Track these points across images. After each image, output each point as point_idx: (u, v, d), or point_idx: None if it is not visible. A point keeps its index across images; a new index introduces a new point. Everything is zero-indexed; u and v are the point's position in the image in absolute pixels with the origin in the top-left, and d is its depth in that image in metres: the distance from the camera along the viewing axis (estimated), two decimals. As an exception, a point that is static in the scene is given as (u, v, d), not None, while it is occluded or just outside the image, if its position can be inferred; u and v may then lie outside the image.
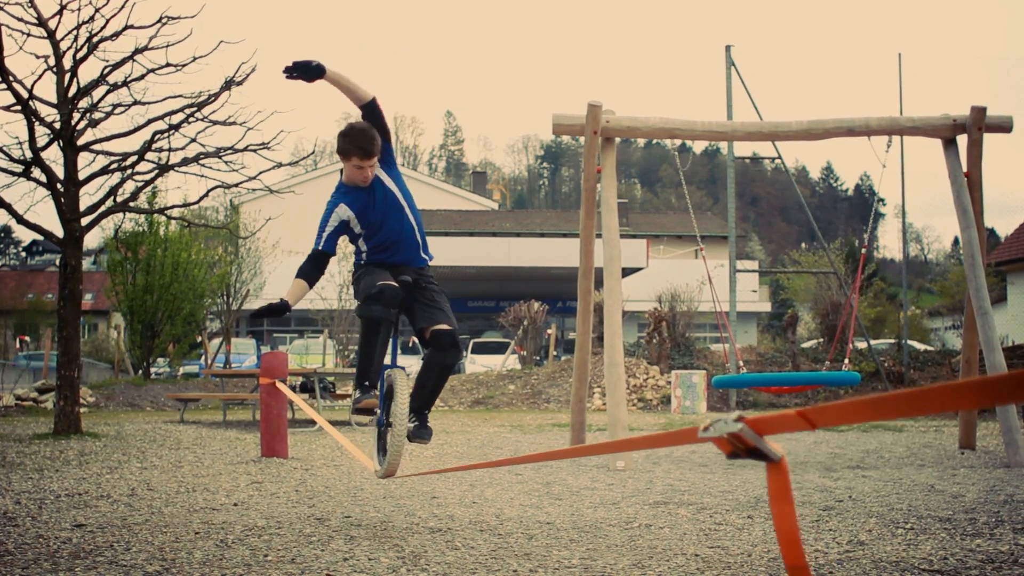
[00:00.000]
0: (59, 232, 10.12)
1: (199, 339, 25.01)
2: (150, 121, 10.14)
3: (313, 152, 23.62)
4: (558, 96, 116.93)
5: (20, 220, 10.05)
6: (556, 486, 6.23)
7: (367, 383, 4.62)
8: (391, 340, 4.86)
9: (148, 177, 10.50)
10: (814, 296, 23.27)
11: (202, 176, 10.58)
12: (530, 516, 4.99)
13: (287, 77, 4.60)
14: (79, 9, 9.62)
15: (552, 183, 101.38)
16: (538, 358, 24.54)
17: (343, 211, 4.67)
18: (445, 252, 26.58)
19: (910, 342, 21.26)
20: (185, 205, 11.47)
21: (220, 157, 10.32)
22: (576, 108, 8.57)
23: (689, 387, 16.92)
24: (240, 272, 23.99)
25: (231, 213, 32.33)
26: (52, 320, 31.24)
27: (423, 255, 4.85)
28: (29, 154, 9.76)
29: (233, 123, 10.17)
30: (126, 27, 9.81)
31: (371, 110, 4.67)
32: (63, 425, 9.91)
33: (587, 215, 8.76)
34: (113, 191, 10.43)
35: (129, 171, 10.39)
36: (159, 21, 9.81)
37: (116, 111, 10.21)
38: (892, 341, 24.98)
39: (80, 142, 10.10)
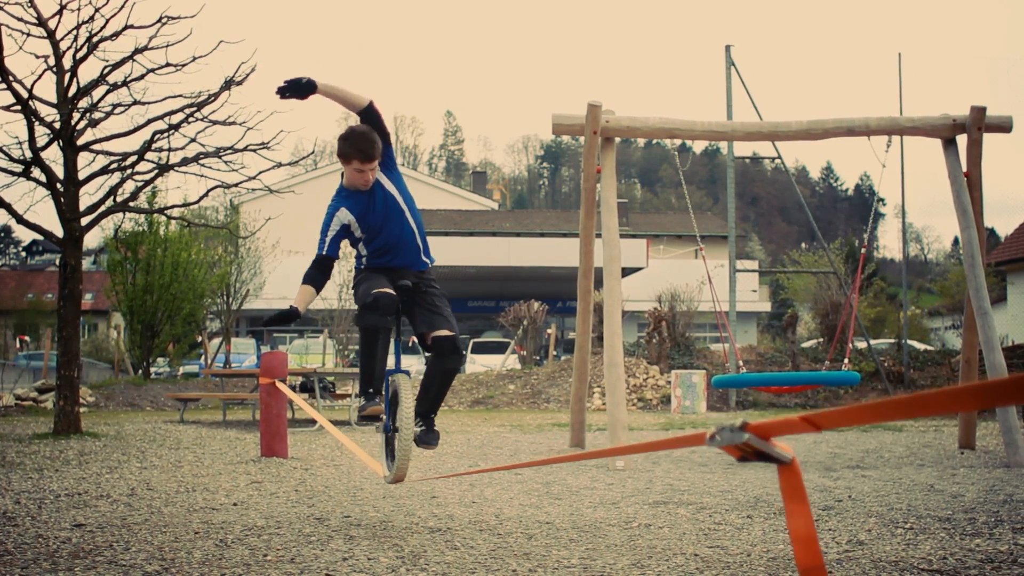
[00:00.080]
0: (59, 232, 10.12)
1: (199, 339, 25.01)
2: (150, 121, 10.14)
3: (313, 152, 23.62)
4: (558, 96, 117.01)
5: (20, 220, 10.05)
6: (556, 486, 6.23)
7: (371, 390, 4.63)
8: (395, 343, 4.87)
9: (148, 177, 10.50)
10: (814, 296, 23.27)
11: (202, 176, 10.59)
12: (530, 516, 4.99)
13: (281, 97, 4.61)
14: (79, 9, 9.62)
15: (552, 183, 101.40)
16: (538, 358, 24.54)
17: (344, 215, 4.67)
18: (445, 252, 26.56)
19: (910, 342, 21.26)
20: (185, 205, 11.47)
21: (220, 157, 10.32)
22: (576, 108, 8.58)
23: (689, 387, 16.92)
24: (240, 272, 23.99)
25: (231, 213, 32.34)
26: (52, 320, 31.24)
27: (424, 258, 4.84)
28: (29, 154, 9.76)
29: (233, 123, 10.17)
30: (126, 27, 9.81)
31: (369, 114, 4.66)
32: (63, 425, 9.91)
33: (587, 215, 8.76)
34: (113, 191, 10.43)
35: (129, 171, 10.39)
36: (159, 21, 9.81)
37: (116, 111, 10.22)
38: (892, 341, 24.98)
39: (80, 142, 10.10)
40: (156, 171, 10.40)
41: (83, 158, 10.19)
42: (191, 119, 10.14)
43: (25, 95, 9.51)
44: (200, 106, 10.09)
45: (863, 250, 10.12)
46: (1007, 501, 5.46)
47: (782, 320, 27.47)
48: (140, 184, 10.60)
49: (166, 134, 10.20)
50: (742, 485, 6.27)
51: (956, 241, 68.34)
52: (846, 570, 3.67)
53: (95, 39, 9.80)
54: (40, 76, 9.71)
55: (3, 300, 47.13)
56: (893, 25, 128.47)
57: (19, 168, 9.92)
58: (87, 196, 10.38)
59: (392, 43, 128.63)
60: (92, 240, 42.12)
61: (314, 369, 14.00)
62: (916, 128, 8.63)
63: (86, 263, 44.29)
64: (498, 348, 27.84)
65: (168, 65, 9.95)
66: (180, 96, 10.15)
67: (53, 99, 9.91)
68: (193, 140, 10.32)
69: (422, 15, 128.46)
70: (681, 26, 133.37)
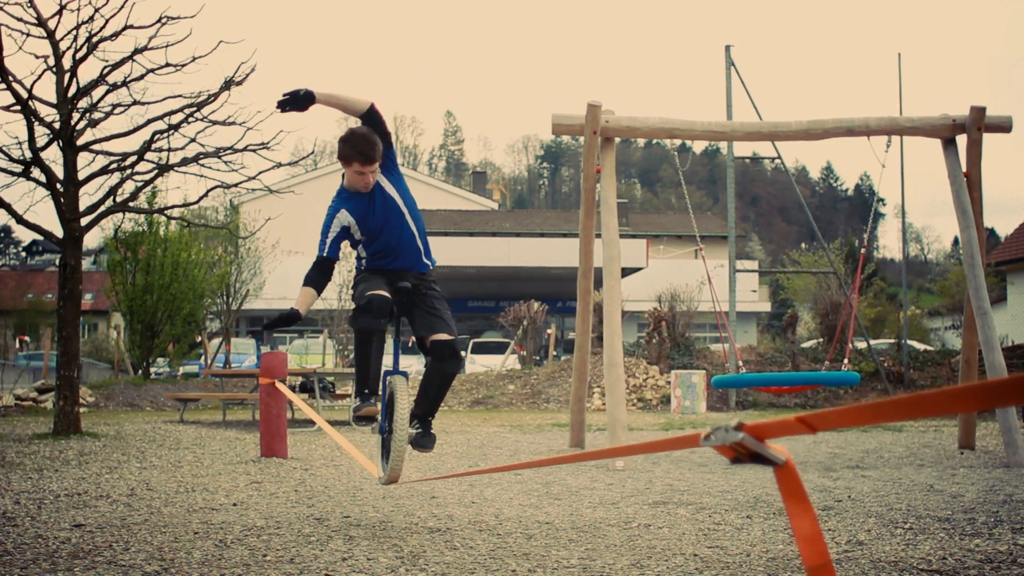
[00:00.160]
0: (59, 232, 10.12)
1: (199, 339, 25.01)
2: (150, 121, 10.14)
3: (313, 152, 23.57)
4: (558, 96, 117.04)
5: (20, 220, 10.05)
6: (555, 486, 6.23)
7: (366, 391, 4.63)
8: (394, 344, 4.88)
9: (148, 177, 10.50)
10: (814, 296, 23.27)
11: (202, 176, 10.58)
12: (529, 516, 5.00)
13: (281, 111, 4.61)
14: (79, 9, 9.62)
15: (552, 183, 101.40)
16: (538, 358, 24.55)
17: (344, 217, 4.67)
18: (445, 252, 26.55)
19: (910, 342, 21.26)
20: (185, 205, 11.46)
21: (220, 157, 10.32)
22: (576, 108, 8.58)
23: (689, 387, 16.92)
24: (240, 272, 23.99)
25: (231, 213, 32.34)
26: (52, 320, 31.23)
27: (425, 260, 4.84)
28: (29, 154, 9.76)
29: (233, 123, 10.16)
30: (126, 27, 9.81)
31: (371, 116, 4.64)
32: (63, 425, 9.91)
33: (587, 215, 8.76)
34: (113, 191, 10.43)
35: (129, 171, 10.39)
36: (159, 21, 9.81)
37: (116, 111, 10.21)
38: (892, 341, 24.98)
39: (80, 142, 10.10)
40: (156, 171, 10.40)
41: (83, 158, 10.20)
42: (191, 119, 10.14)
43: (25, 95, 9.51)
44: (200, 106, 10.09)
45: (863, 250, 10.12)
46: (1007, 501, 5.46)
47: (782, 320, 27.48)
48: (140, 184, 10.60)
49: (166, 134, 10.20)
50: (742, 485, 6.27)
51: (956, 241, 68.33)
52: (845, 570, 3.67)
53: (95, 39, 9.80)
54: (40, 76, 9.71)
55: (3, 300, 47.13)
56: (893, 25, 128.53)
57: (19, 168, 9.92)
58: (87, 196, 10.39)
59: (392, 43, 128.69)
60: (92, 240, 42.15)
61: (314, 369, 14.00)
62: (916, 128, 8.63)
63: (86, 263, 44.30)
64: (498, 348, 27.84)
65: (168, 65, 9.95)
66: (180, 96, 10.16)
67: (53, 99, 9.92)
68: (193, 140, 10.32)
69: (422, 15, 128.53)
70: (681, 26, 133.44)
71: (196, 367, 27.63)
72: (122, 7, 9.69)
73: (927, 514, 4.99)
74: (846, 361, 9.81)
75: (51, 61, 9.82)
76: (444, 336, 4.64)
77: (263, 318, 43.16)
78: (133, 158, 10.24)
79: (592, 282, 8.94)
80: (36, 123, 9.66)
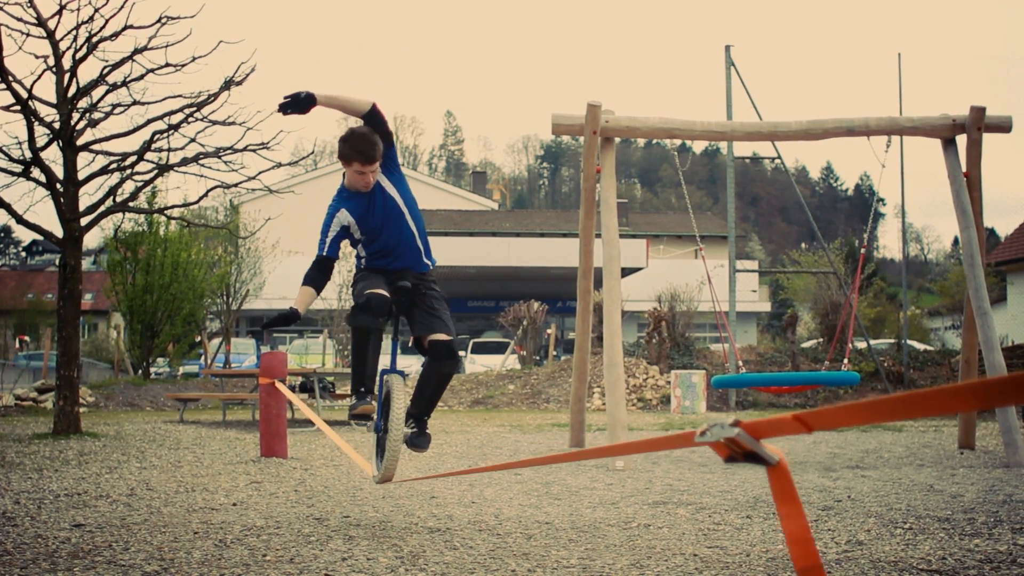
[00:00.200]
0: (59, 232, 10.12)
1: (198, 339, 25.01)
2: (150, 121, 10.14)
3: (313, 152, 23.55)
4: (558, 96, 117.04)
5: (20, 220, 10.05)
6: (555, 486, 6.23)
7: (362, 389, 4.64)
8: (392, 343, 4.88)
9: (148, 177, 10.50)
10: (814, 296, 23.27)
11: (202, 176, 10.58)
12: (529, 516, 5.00)
13: (283, 114, 4.60)
14: (78, 9, 9.62)
15: (552, 183, 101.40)
16: (538, 358, 24.55)
17: (344, 216, 4.67)
18: (445, 252, 26.54)
19: (910, 342, 21.26)
20: (185, 205, 11.46)
21: (220, 157, 10.32)
22: (576, 108, 8.58)
23: (689, 387, 16.92)
24: (240, 272, 24.00)
25: (231, 213, 32.35)
26: (52, 320, 31.23)
27: (425, 260, 4.84)
28: (28, 154, 9.76)
29: (233, 123, 10.16)
30: (125, 27, 9.81)
31: (372, 117, 4.63)
32: (62, 425, 9.91)
33: (587, 215, 8.76)
34: (113, 191, 10.43)
35: (129, 171, 10.39)
36: (159, 21, 9.81)
37: (115, 111, 10.21)
38: (892, 341, 24.98)
39: (79, 142, 10.10)
40: (156, 171, 10.40)
41: (83, 158, 10.20)
42: (191, 119, 10.14)
43: (25, 95, 9.51)
44: (200, 106, 10.09)
45: (863, 250, 10.12)
46: (1006, 501, 5.46)
47: (782, 320, 27.47)
48: (140, 184, 10.60)
49: (166, 134, 10.20)
50: (741, 485, 6.27)
51: (956, 241, 68.31)
52: (845, 570, 3.67)
53: (95, 39, 9.80)
54: (40, 76, 9.71)
55: (3, 300, 47.14)
56: (893, 25, 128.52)
57: (19, 168, 9.92)
58: (87, 196, 10.39)
59: (392, 43, 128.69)
60: (92, 240, 42.16)
61: (314, 369, 14.00)
62: (916, 128, 8.63)
63: (86, 263, 44.30)
64: (498, 348, 27.84)
65: (168, 65, 9.94)
66: (180, 96, 10.16)
67: (53, 99, 9.92)
68: (193, 140, 10.32)
69: (422, 15, 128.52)
70: (681, 26, 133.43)
71: (196, 367, 27.63)
72: (122, 7, 9.70)
73: (927, 514, 4.99)
74: (846, 361, 9.81)
75: (51, 61, 9.83)
76: (442, 336, 4.64)
77: (263, 318, 43.16)
78: (133, 158, 10.24)
79: (592, 282, 8.94)
80: (36, 123, 9.66)
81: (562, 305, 35.55)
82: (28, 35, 9.67)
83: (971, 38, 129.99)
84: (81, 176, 10.15)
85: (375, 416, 4.73)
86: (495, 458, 8.37)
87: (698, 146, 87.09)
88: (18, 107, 9.52)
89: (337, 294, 24.94)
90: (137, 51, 9.87)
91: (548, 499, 5.63)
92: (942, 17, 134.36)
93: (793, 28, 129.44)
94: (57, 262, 10.88)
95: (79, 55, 9.83)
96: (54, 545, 4.10)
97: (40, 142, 9.79)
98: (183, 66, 10.00)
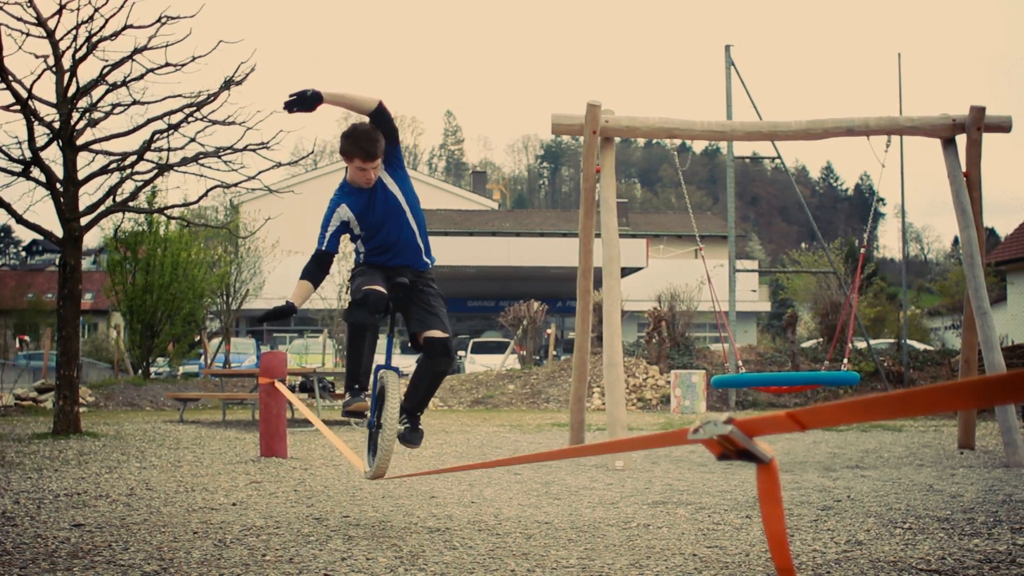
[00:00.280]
0: (59, 232, 10.12)
1: (198, 339, 25.01)
2: (149, 121, 10.14)
3: (312, 152, 23.56)
4: (558, 96, 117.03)
5: (20, 220, 10.05)
6: (555, 486, 6.23)
7: (356, 386, 4.63)
8: (388, 339, 4.88)
9: (147, 177, 10.50)
10: (814, 296, 23.28)
11: (202, 176, 10.59)
12: (528, 516, 5.00)
13: (289, 112, 4.58)
14: (78, 9, 9.62)
15: (552, 183, 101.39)
16: (538, 358, 24.55)
17: (344, 212, 4.67)
18: (445, 252, 26.57)
19: (910, 342, 21.26)
20: (185, 205, 11.47)
21: (220, 157, 10.32)
22: (576, 108, 8.58)
23: (688, 387, 16.92)
24: (240, 272, 24.00)
25: (231, 213, 32.34)
26: (52, 320, 31.24)
27: (425, 259, 4.84)
28: (28, 154, 9.76)
29: (232, 123, 10.17)
30: (125, 27, 9.81)
31: (379, 115, 4.63)
32: (62, 425, 9.91)
33: (586, 215, 8.76)
34: (112, 191, 10.43)
35: (128, 171, 10.39)
36: (158, 21, 9.81)
37: (115, 111, 10.21)
38: (892, 341, 24.98)
39: (79, 142, 10.11)
40: (156, 171, 10.40)
41: (82, 158, 10.20)
42: (191, 119, 10.15)
43: (25, 95, 9.51)
44: (200, 106, 10.10)
45: (863, 250, 10.12)
46: (1006, 501, 5.46)
47: (782, 320, 27.47)
48: (140, 184, 10.60)
49: (166, 134, 10.20)
50: (741, 485, 6.27)
51: (956, 241, 68.28)
52: (844, 570, 3.67)
53: (94, 39, 9.80)
54: (40, 76, 9.71)
55: (3, 300, 47.13)
56: (893, 25, 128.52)
57: (19, 168, 9.93)
58: (87, 196, 10.40)
59: (392, 43, 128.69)
60: (92, 240, 42.14)
61: (314, 369, 14.00)
62: (915, 128, 8.63)
63: (86, 263, 44.28)
64: (498, 348, 27.84)
65: (167, 65, 9.95)
66: (180, 96, 10.16)
67: (52, 99, 9.92)
68: (193, 140, 10.33)
69: (422, 15, 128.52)
70: (681, 26, 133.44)
71: (196, 367, 27.63)
72: (122, 7, 9.70)
73: (926, 514, 4.99)
74: (846, 361, 9.81)
75: (51, 61, 9.83)
76: (438, 333, 4.64)
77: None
78: (133, 158, 10.24)
79: (592, 282, 8.94)
80: (36, 123, 9.66)
81: (562, 305, 35.55)
82: (28, 35, 9.68)
83: (971, 38, 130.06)
84: (81, 176, 10.15)
85: (368, 413, 4.73)
86: (495, 458, 8.37)
87: (698, 146, 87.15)
88: (18, 107, 9.52)
89: (337, 294, 24.94)
90: (137, 51, 9.87)
91: (548, 499, 5.63)
92: (942, 17, 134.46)
93: (793, 28, 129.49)
94: (57, 262, 10.88)
95: (79, 55, 9.83)
96: (53, 545, 4.10)
97: (40, 142, 9.80)
98: (183, 66, 10.01)
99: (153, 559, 3.81)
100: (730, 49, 17.74)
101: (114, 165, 10.29)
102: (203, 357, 24.25)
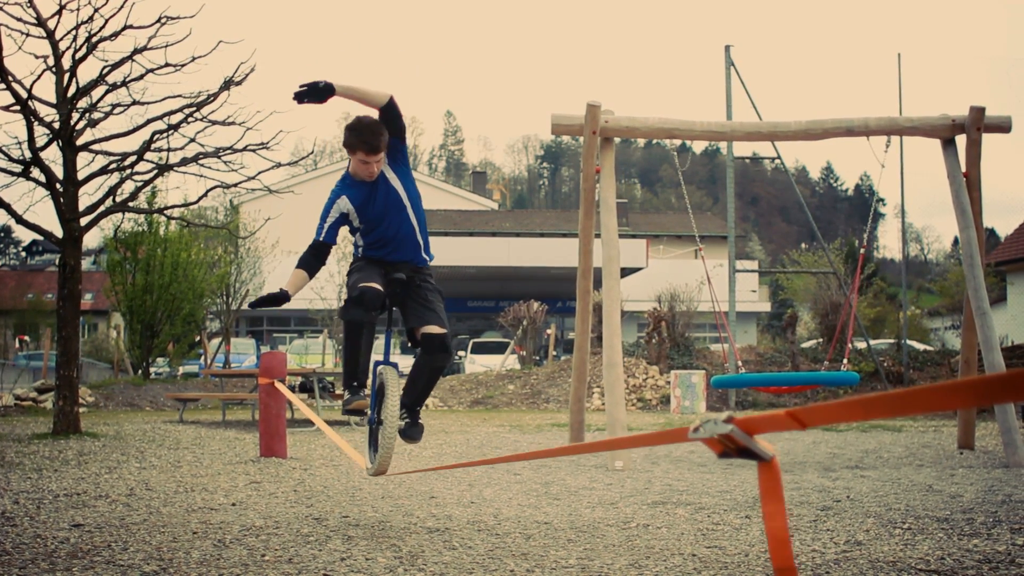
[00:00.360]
0: (58, 232, 10.12)
1: (198, 339, 25.01)
2: (149, 121, 10.14)
3: (312, 152, 23.56)
4: (558, 96, 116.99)
5: (19, 220, 10.05)
6: (554, 486, 6.23)
7: (355, 384, 4.63)
8: (386, 334, 4.87)
9: (147, 177, 10.50)
10: (814, 296, 23.27)
11: (201, 176, 10.59)
12: (528, 516, 5.00)
13: (299, 102, 4.54)
14: (78, 9, 9.62)
15: (552, 183, 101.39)
16: (537, 358, 24.55)
17: (343, 203, 4.66)
18: (445, 252, 26.57)
19: (910, 342, 21.26)
20: (185, 205, 11.47)
21: (219, 157, 10.32)
22: (575, 108, 8.58)
23: (688, 387, 16.92)
24: (240, 272, 24.00)
25: (231, 213, 32.34)
26: (52, 320, 31.22)
27: (424, 255, 4.83)
28: (28, 154, 9.76)
29: (232, 123, 10.17)
30: (125, 27, 9.81)
31: (389, 109, 4.60)
32: (62, 425, 9.91)
33: (586, 215, 8.76)
34: (112, 191, 10.43)
35: (128, 171, 10.39)
36: (158, 21, 9.81)
37: (115, 111, 10.21)
38: (892, 341, 24.98)
39: (79, 142, 10.11)
40: (155, 171, 10.40)
41: (82, 158, 10.20)
42: (190, 119, 10.14)
43: (24, 95, 9.51)
44: (199, 106, 10.09)
45: (863, 250, 10.12)
46: (1005, 501, 5.46)
47: (782, 320, 27.47)
48: (140, 184, 10.60)
49: (165, 134, 10.20)
50: (741, 485, 6.27)
51: (956, 241, 68.24)
52: (844, 570, 3.67)
53: (94, 39, 9.80)
54: (39, 76, 9.71)
55: (3, 300, 47.11)
56: (893, 25, 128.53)
57: (19, 168, 9.93)
58: (86, 196, 10.39)
59: (392, 43, 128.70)
60: (92, 240, 42.15)
61: (314, 369, 14.00)
62: (915, 128, 8.63)
63: (86, 263, 44.30)
64: (498, 348, 27.84)
65: (167, 65, 9.95)
66: (179, 96, 10.16)
67: (52, 99, 9.92)
68: (192, 140, 10.33)
69: (422, 15, 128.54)
70: (681, 26, 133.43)
71: (196, 367, 27.63)
72: (122, 7, 9.70)
73: (926, 514, 4.99)
74: (846, 361, 9.81)
75: (51, 61, 9.83)
76: (435, 329, 4.63)
77: (262, 317, 43.16)
78: (133, 158, 10.24)
79: (591, 282, 8.94)
80: (36, 123, 9.66)
81: (562, 305, 35.55)
82: (28, 35, 9.68)
83: (971, 38, 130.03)
84: (81, 176, 10.15)
85: (368, 410, 4.72)
86: (494, 458, 8.37)
87: (698, 146, 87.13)
88: (18, 107, 9.52)
89: (337, 294, 24.93)
90: (137, 51, 9.87)
91: (547, 499, 5.63)
92: (942, 17, 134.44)
93: (793, 28, 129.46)
94: (57, 262, 10.88)
95: (79, 55, 9.83)
96: (53, 545, 4.10)
97: (40, 142, 9.79)
98: (183, 66, 10.01)
99: (152, 559, 3.81)
100: (730, 49, 17.74)
101: (114, 165, 10.29)
102: (203, 357, 24.25)
